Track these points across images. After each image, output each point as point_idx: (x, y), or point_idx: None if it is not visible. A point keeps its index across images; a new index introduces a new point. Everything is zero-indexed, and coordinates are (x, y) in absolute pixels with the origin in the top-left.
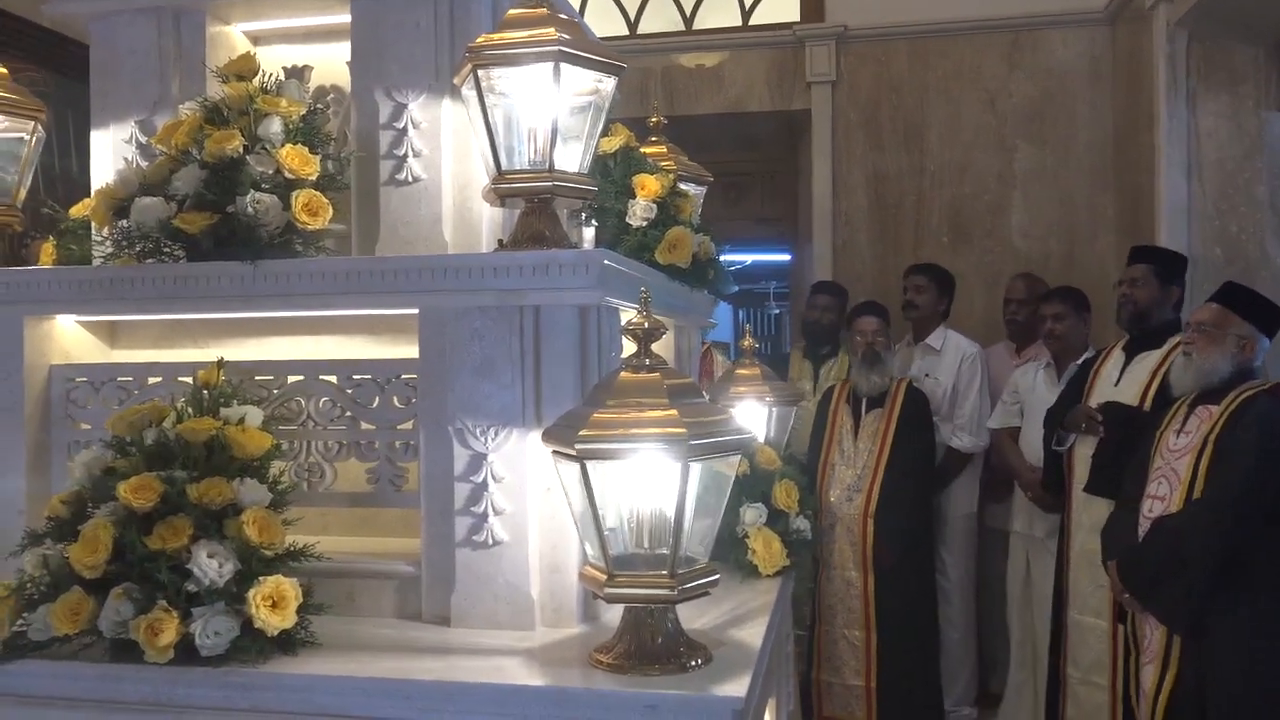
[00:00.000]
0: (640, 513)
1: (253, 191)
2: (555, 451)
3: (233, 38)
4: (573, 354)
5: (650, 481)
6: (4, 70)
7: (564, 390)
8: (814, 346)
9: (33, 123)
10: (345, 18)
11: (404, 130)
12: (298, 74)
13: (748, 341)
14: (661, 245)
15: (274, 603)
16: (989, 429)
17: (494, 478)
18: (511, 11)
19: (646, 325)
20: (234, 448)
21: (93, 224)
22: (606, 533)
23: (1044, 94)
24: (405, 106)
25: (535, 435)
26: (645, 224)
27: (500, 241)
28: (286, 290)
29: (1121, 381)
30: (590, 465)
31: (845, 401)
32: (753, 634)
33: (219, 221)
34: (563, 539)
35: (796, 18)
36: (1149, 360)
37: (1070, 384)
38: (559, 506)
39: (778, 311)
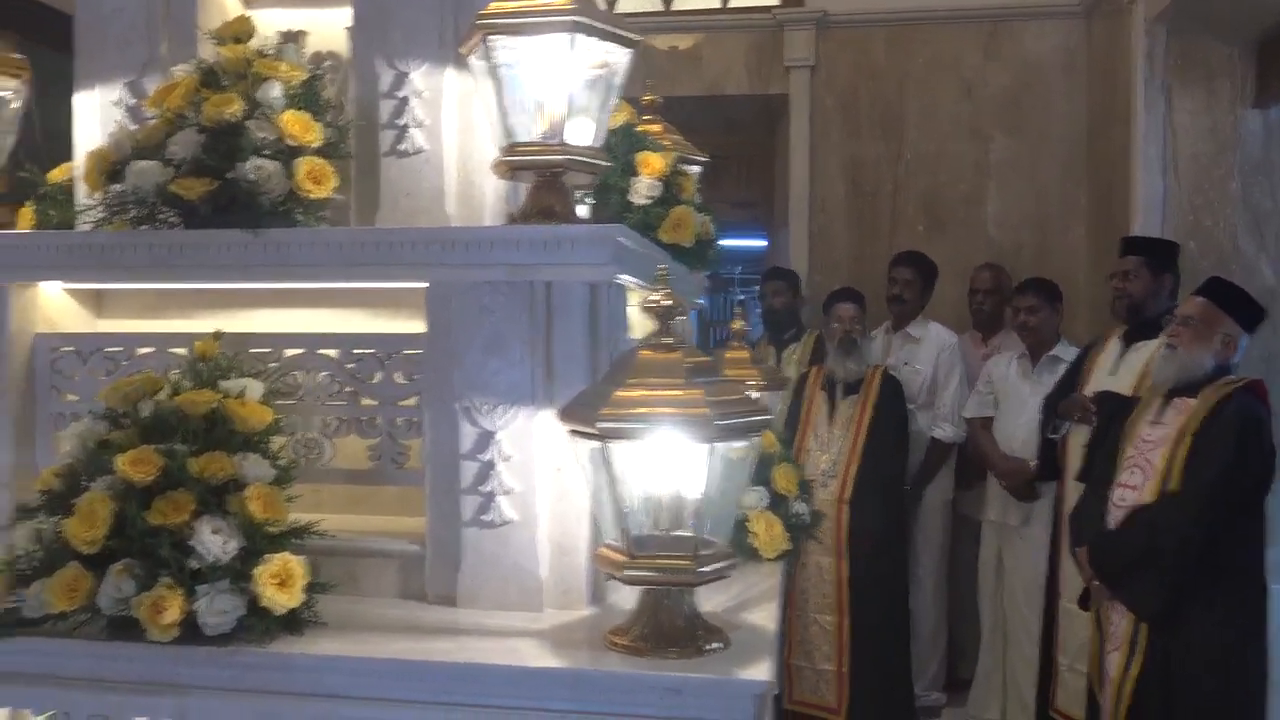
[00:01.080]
0: (658, 494)
1: (254, 158)
2: (574, 431)
3: None
4: (583, 331)
5: (670, 462)
6: None
7: (574, 368)
8: (775, 332)
9: (16, 82)
10: None
11: (406, 100)
12: (292, 39)
13: (738, 324)
14: (666, 224)
15: (281, 581)
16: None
17: (502, 456)
18: None
19: (667, 303)
20: (235, 421)
21: (80, 188)
22: (626, 514)
23: (1020, 85)
24: (407, 75)
25: (545, 413)
26: (649, 202)
27: (510, 216)
28: (287, 260)
29: (1117, 371)
30: (612, 445)
31: (821, 387)
32: (765, 617)
33: (218, 188)
34: (572, 519)
35: (776, 1)
36: (1145, 350)
37: (1067, 372)
38: (569, 486)
39: (742, 297)
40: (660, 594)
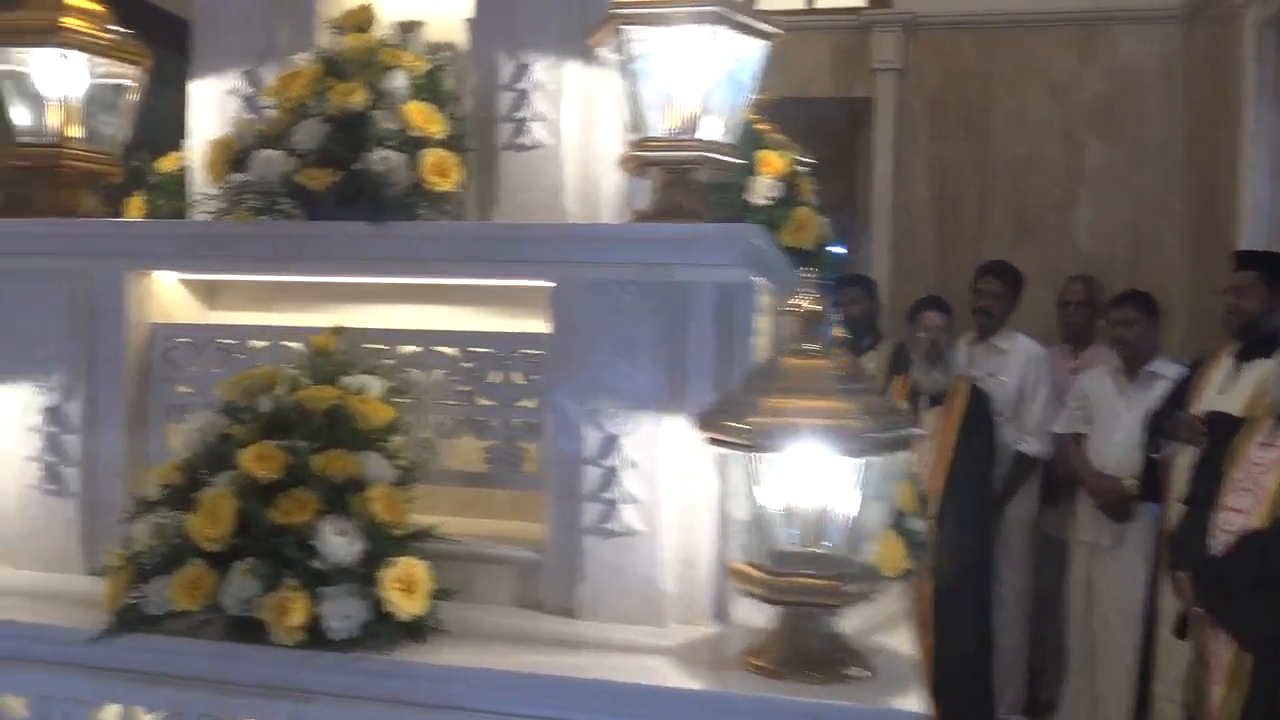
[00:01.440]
0: (801, 508)
1: (378, 149)
2: (714, 439)
3: None
4: (713, 334)
5: (815, 475)
6: (102, 9)
7: (703, 373)
8: (853, 339)
9: (136, 70)
10: None
11: (526, 92)
12: (409, 29)
13: (839, 332)
14: (788, 225)
15: (406, 586)
16: (1053, 434)
17: (627, 463)
18: None
19: (814, 308)
20: (357, 419)
21: (196, 177)
22: (767, 528)
23: (1115, 90)
24: (528, 67)
25: (673, 419)
26: (769, 202)
27: (638, 213)
28: (411, 254)
29: (1229, 390)
30: (759, 456)
31: (904, 398)
32: (902, 641)
33: (343, 179)
34: (697, 530)
35: (862, 2)
36: (1259, 369)
37: (1174, 390)
38: (694, 496)
39: None
40: (800, 614)
